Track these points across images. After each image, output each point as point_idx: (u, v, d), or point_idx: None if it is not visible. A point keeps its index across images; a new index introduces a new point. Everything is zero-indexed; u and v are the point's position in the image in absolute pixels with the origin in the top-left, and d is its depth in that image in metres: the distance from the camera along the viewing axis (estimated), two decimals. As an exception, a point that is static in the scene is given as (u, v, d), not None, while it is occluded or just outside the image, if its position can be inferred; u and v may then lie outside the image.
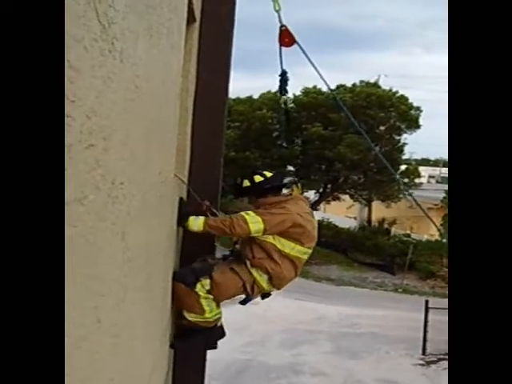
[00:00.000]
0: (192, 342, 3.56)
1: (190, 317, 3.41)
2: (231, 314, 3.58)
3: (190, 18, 3.17)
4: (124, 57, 1.46)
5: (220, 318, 3.55)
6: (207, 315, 3.41)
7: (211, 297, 3.38)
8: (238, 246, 3.55)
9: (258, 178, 3.55)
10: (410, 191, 28.98)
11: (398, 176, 28.39)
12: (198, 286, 3.32)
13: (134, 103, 1.68)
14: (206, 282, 3.34)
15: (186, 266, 3.48)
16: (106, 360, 1.63)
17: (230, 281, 3.39)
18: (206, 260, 3.52)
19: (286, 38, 3.70)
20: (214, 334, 3.59)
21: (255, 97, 30.68)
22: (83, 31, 1.14)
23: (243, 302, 3.61)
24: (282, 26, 3.68)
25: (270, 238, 3.35)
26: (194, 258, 3.50)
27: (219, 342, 3.74)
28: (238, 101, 29.20)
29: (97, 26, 1.22)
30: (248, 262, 3.38)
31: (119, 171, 1.56)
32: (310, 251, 3.55)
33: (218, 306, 3.46)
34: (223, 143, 3.87)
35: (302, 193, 3.75)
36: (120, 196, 1.58)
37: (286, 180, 3.70)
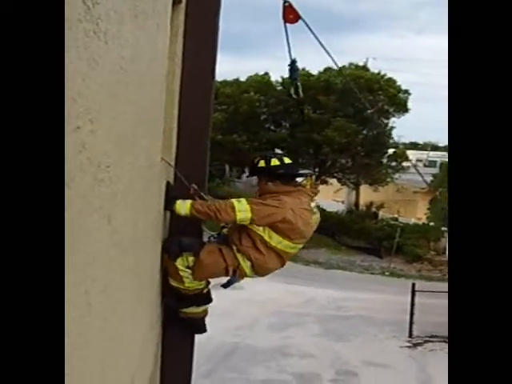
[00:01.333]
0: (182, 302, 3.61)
1: (172, 282, 3.47)
2: (219, 298, 3.59)
3: (176, -1, 3.14)
4: (109, 38, 1.45)
5: (202, 289, 3.58)
6: (187, 285, 3.45)
7: (189, 271, 3.41)
8: (225, 231, 3.55)
9: (274, 162, 3.51)
10: (398, 175, 29.18)
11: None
12: (179, 259, 3.36)
13: (119, 85, 1.67)
14: (189, 258, 3.37)
15: (176, 236, 3.48)
16: (95, 342, 1.64)
17: (214, 261, 3.41)
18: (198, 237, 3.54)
19: (291, 14, 3.59)
20: (198, 299, 3.63)
21: (242, 79, 30.54)
22: (67, 12, 1.13)
23: (225, 285, 3.63)
24: (285, 1, 3.58)
25: (259, 230, 3.34)
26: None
27: (207, 326, 3.76)
28: (224, 83, 29.04)
29: (81, 6, 1.21)
30: (235, 248, 3.40)
31: (105, 154, 1.55)
32: (300, 246, 3.55)
33: (199, 279, 3.50)
34: (210, 126, 3.86)
35: (316, 186, 3.69)
36: (106, 179, 1.58)
37: (302, 171, 3.66)
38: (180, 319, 3.66)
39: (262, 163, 3.54)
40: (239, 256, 3.39)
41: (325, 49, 3.69)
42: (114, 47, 1.54)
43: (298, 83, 3.69)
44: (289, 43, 3.66)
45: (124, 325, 2.18)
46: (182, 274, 3.40)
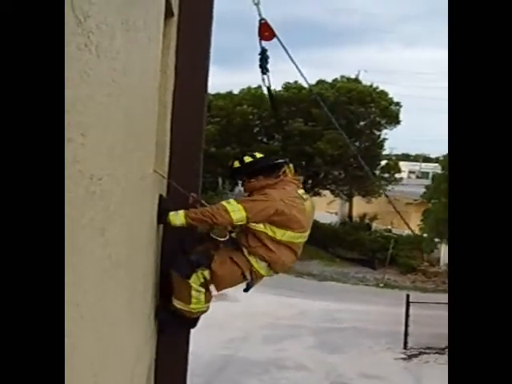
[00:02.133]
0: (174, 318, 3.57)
1: (176, 303, 3.45)
2: (213, 311, 3.58)
3: (168, 13, 3.16)
4: (100, 51, 1.46)
5: (204, 312, 3.56)
6: (192, 306, 3.44)
7: (203, 290, 3.41)
8: (233, 235, 3.55)
9: (247, 159, 3.58)
10: (391, 186, 29.24)
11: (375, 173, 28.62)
12: (193, 277, 3.36)
13: (111, 98, 1.68)
14: (204, 272, 3.37)
15: (181, 255, 3.47)
16: (88, 355, 1.63)
17: (228, 271, 3.41)
18: (204, 249, 3.50)
19: (266, 31, 3.67)
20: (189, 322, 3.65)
21: (235, 92, 30.63)
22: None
23: (246, 289, 3.63)
24: (261, 19, 3.66)
25: (261, 227, 3.36)
26: (175, 253, 3.49)
27: (201, 340, 3.76)
28: (217, 96, 29.10)
29: (72, 19, 1.21)
30: (245, 250, 3.41)
31: (97, 166, 1.55)
32: (306, 234, 3.56)
33: (206, 299, 3.49)
34: (203, 139, 3.87)
35: (295, 174, 3.72)
36: (98, 191, 1.57)
37: (277, 161, 3.70)
38: (173, 316, 3.58)
39: (236, 164, 3.62)
40: (251, 258, 3.41)
41: (295, 64, 3.81)
42: (106, 60, 1.55)
43: (269, 73, 3.75)
44: (261, 45, 3.76)
45: (116, 338, 2.17)
46: (193, 293, 3.40)
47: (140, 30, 2.12)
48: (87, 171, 1.44)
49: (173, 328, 3.68)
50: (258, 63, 3.80)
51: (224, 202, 3.36)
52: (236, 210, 3.27)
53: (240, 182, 3.71)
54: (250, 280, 3.51)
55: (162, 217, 3.28)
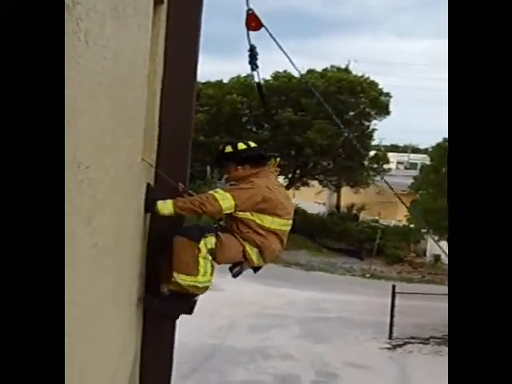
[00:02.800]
0: (163, 304, 3.50)
1: (180, 279, 3.33)
2: (200, 299, 3.58)
3: (158, 0, 3.14)
4: (89, 38, 1.45)
5: (207, 288, 3.47)
6: (199, 278, 3.34)
7: (210, 258, 3.36)
8: (222, 223, 3.59)
9: (241, 146, 3.59)
10: (379, 177, 29.36)
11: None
12: (202, 242, 3.31)
13: (100, 86, 1.67)
14: (212, 239, 3.34)
15: (191, 225, 3.48)
16: (75, 344, 1.63)
17: (233, 243, 3.42)
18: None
19: (253, 22, 3.68)
20: (187, 303, 3.55)
21: (225, 81, 30.52)
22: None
23: (235, 275, 3.64)
24: (248, 9, 3.66)
25: (248, 215, 3.40)
26: (163, 243, 3.47)
27: (187, 329, 3.75)
28: (207, 84, 28.99)
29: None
30: (237, 236, 3.44)
31: (85, 154, 1.55)
32: (290, 222, 3.61)
33: (212, 272, 3.42)
34: (192, 127, 3.86)
35: (279, 167, 3.76)
36: (86, 180, 1.57)
37: (270, 153, 3.76)
38: (163, 303, 3.50)
39: (228, 148, 3.61)
40: (245, 243, 3.43)
41: (284, 52, 3.83)
42: (95, 47, 1.54)
43: (259, 69, 3.77)
44: (249, 40, 3.76)
45: (103, 325, 2.17)
46: (201, 261, 3.31)
47: (129, 17, 2.10)
48: (74, 159, 1.43)
49: (162, 316, 3.65)
50: (247, 52, 3.80)
51: (212, 192, 3.38)
52: (225, 199, 3.30)
53: (222, 170, 3.73)
54: (241, 264, 3.53)
55: (150, 206, 3.28)
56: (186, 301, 3.51)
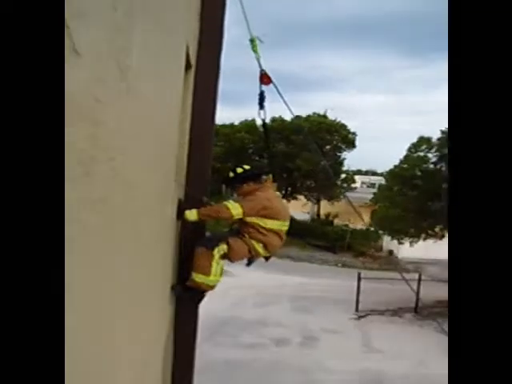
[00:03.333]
0: (187, 293, 3.43)
1: (197, 277, 3.31)
2: (217, 284, 3.54)
3: (188, 65, 3.16)
4: (137, 94, 1.45)
5: (215, 286, 3.43)
6: (211, 278, 3.32)
7: (221, 263, 3.34)
8: (236, 226, 3.54)
9: (239, 170, 3.62)
10: (347, 193, 29.26)
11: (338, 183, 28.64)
12: (216, 249, 3.29)
13: (145, 128, 1.67)
14: (223, 246, 3.32)
15: (206, 236, 3.45)
16: (124, 317, 1.61)
17: (240, 245, 3.39)
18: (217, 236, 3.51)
19: (265, 78, 3.67)
20: (198, 296, 3.54)
21: (236, 123, 30.65)
22: (106, 74, 1.13)
23: (248, 264, 3.63)
24: (262, 70, 3.66)
25: (254, 220, 3.38)
26: (191, 247, 3.43)
27: (210, 304, 3.69)
28: (223, 126, 29.11)
29: (116, 71, 1.21)
30: (246, 236, 3.41)
31: (134, 177, 1.54)
32: (287, 223, 3.58)
33: (220, 273, 3.40)
34: (211, 157, 3.85)
35: (274, 181, 3.73)
36: (134, 197, 1.56)
37: (260, 171, 3.74)
38: (185, 291, 3.41)
39: (231, 174, 3.65)
40: (252, 241, 3.41)
41: (285, 102, 3.83)
42: (141, 101, 1.54)
43: (265, 109, 3.75)
44: (261, 88, 3.70)
45: (145, 303, 2.15)
46: (214, 265, 3.29)
47: (167, 78, 2.12)
48: (127, 181, 1.43)
49: (185, 301, 3.59)
50: (253, 103, 3.79)
51: (226, 202, 3.39)
52: (235, 208, 3.31)
53: (232, 190, 3.73)
54: (252, 257, 3.51)
55: (181, 214, 3.27)
56: (198, 293, 3.48)
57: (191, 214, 3.29)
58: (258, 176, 3.62)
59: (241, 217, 3.35)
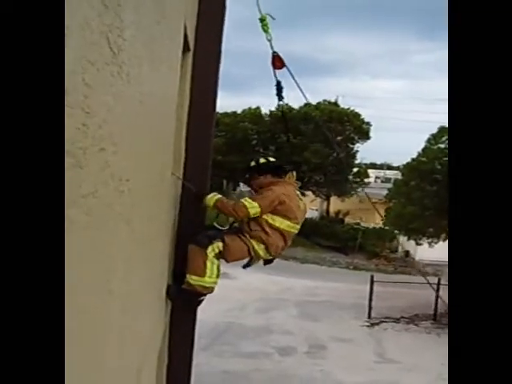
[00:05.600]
0: (183, 296, 3.42)
1: (192, 279, 3.30)
2: (217, 286, 3.55)
3: (186, 48, 3.15)
4: (131, 78, 1.45)
5: (213, 288, 3.41)
6: (206, 279, 3.31)
7: (216, 262, 3.32)
8: (236, 225, 3.53)
9: (262, 160, 3.71)
10: (360, 189, 29.24)
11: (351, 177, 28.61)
12: (210, 248, 3.29)
13: (138, 115, 1.67)
14: (219, 244, 3.31)
15: (201, 232, 3.42)
16: (115, 322, 1.62)
17: (238, 245, 3.37)
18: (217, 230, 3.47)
19: (278, 62, 3.63)
20: (195, 300, 3.51)
21: (238, 112, 30.57)
22: (96, 55, 1.12)
23: (245, 266, 3.62)
24: (274, 52, 3.61)
25: (263, 215, 3.38)
26: (187, 241, 3.44)
27: (206, 309, 3.70)
28: (224, 114, 29.04)
29: (108, 52, 1.20)
30: (247, 235, 3.39)
31: (126, 170, 1.54)
32: (298, 226, 3.55)
33: (218, 274, 3.37)
34: (211, 149, 3.85)
35: (296, 180, 3.73)
36: (126, 190, 1.56)
37: (283, 166, 3.75)
38: (183, 291, 3.40)
39: (252, 163, 3.73)
40: (252, 241, 3.39)
41: (300, 89, 3.76)
42: (135, 85, 1.54)
43: (284, 99, 3.71)
44: (275, 75, 3.66)
45: (139, 307, 2.16)
46: (208, 264, 3.28)
47: (163, 61, 2.11)
48: (117, 174, 1.43)
49: (182, 305, 3.58)
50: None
51: (243, 200, 3.39)
52: (253, 207, 3.32)
53: (245, 184, 3.72)
54: (251, 259, 3.49)
55: (202, 197, 3.40)
56: (195, 297, 3.45)
57: (210, 200, 3.36)
58: (278, 169, 3.63)
59: (257, 215, 3.35)
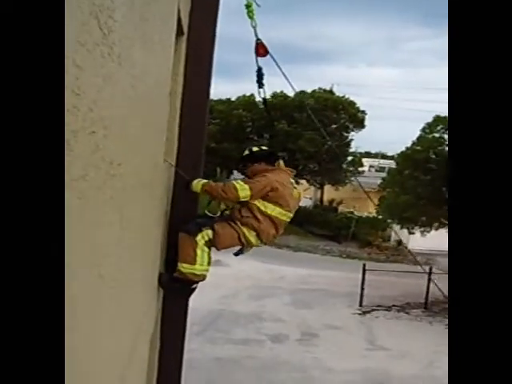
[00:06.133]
0: (175, 284, 3.40)
1: (183, 267, 3.29)
2: (210, 274, 3.55)
3: (179, 31, 3.11)
4: (122, 60, 1.42)
5: (205, 276, 3.40)
6: (197, 267, 3.30)
7: (207, 250, 3.31)
8: (227, 212, 3.52)
9: (255, 149, 3.76)
10: (354, 177, 29.30)
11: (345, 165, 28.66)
12: (199, 235, 3.28)
13: (130, 99, 1.64)
14: (208, 232, 3.30)
15: (190, 220, 3.41)
16: (106, 307, 1.62)
17: (228, 232, 3.35)
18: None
19: (261, 49, 3.61)
20: (187, 288, 3.49)
21: (233, 99, 30.41)
22: (86, 36, 1.10)
23: (237, 254, 3.60)
24: (257, 39, 3.59)
25: (255, 201, 3.36)
26: (179, 229, 3.42)
27: (199, 296, 3.70)
28: (218, 102, 28.88)
29: (98, 32, 1.18)
30: (238, 222, 3.37)
31: (117, 154, 1.52)
32: (290, 214, 3.54)
33: (209, 262, 3.37)
34: (205, 136, 3.83)
35: (288, 167, 3.75)
36: (118, 175, 1.55)
37: (277, 154, 3.84)
38: (175, 280, 3.38)
39: (246, 152, 3.76)
40: (243, 228, 3.37)
41: (285, 77, 3.80)
42: (126, 67, 1.51)
43: (264, 87, 3.71)
44: (257, 62, 3.64)
45: (130, 292, 2.15)
46: (199, 252, 3.27)
47: (155, 44, 2.08)
48: (108, 157, 1.41)
49: (174, 293, 3.57)
50: (251, 76, 3.73)
51: (234, 182, 3.38)
52: (243, 189, 3.30)
53: (239, 172, 3.74)
54: (242, 246, 3.48)
55: (188, 184, 3.40)
56: (187, 285, 3.43)
57: (196, 185, 3.35)
58: (271, 156, 3.65)
59: (247, 199, 3.33)
